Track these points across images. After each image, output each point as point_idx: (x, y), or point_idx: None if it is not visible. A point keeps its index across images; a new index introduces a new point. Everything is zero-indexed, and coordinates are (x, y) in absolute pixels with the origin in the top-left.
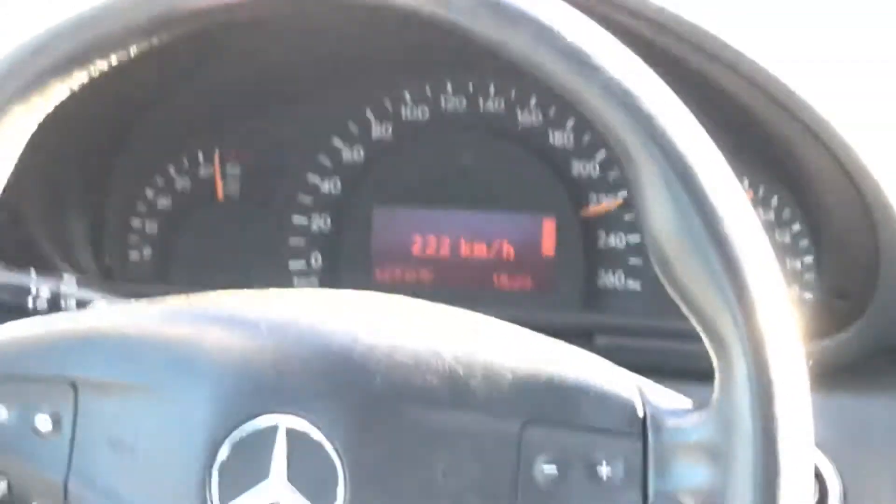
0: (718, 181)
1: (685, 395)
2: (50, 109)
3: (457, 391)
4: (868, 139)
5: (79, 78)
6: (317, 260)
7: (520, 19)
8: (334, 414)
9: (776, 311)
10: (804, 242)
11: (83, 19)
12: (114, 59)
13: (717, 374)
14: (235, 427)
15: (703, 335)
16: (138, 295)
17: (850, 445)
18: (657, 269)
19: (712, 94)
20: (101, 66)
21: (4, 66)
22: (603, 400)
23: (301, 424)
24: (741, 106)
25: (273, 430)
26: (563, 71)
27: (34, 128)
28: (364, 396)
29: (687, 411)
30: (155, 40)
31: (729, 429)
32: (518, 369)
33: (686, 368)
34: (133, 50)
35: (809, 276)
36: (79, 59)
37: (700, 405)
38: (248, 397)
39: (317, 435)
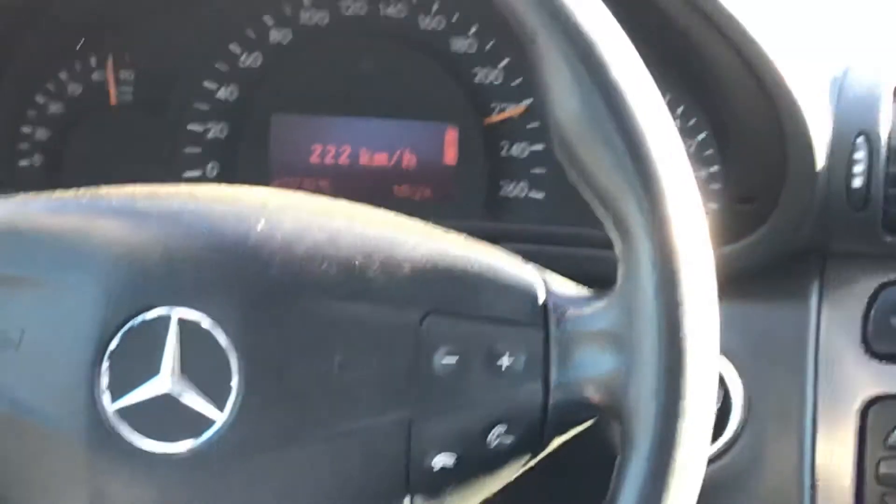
0: (623, 63)
1: None
2: None
3: (354, 281)
4: (774, 37)
5: None
6: (213, 169)
7: None
8: (227, 304)
9: (681, 194)
10: (710, 152)
11: None
12: None
13: (619, 261)
14: (126, 319)
15: (605, 221)
16: None
17: (753, 352)
18: (559, 154)
19: None
20: None
21: None
22: (504, 290)
23: (193, 315)
24: (649, 6)
25: (165, 321)
26: None
27: None
28: (258, 286)
29: (589, 299)
30: None
31: (632, 316)
32: (418, 259)
33: (591, 275)
34: None
35: (715, 186)
36: None
37: (603, 293)
38: (139, 289)
39: (209, 325)
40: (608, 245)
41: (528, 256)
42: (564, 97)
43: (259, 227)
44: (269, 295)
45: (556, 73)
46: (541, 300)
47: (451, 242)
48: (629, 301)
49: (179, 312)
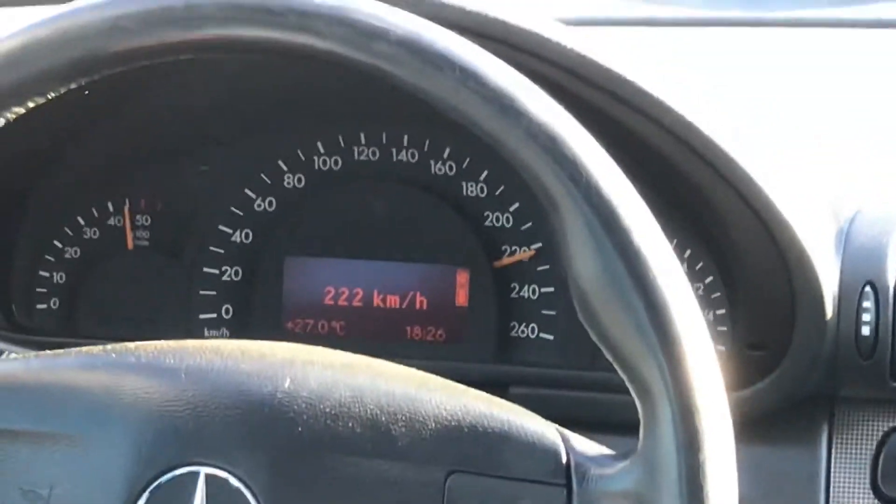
0: (642, 228)
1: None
2: None
3: (379, 439)
4: (781, 185)
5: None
6: (227, 311)
7: (443, 64)
8: (254, 462)
9: (701, 357)
10: (717, 295)
11: None
12: (29, 105)
13: (641, 422)
14: (155, 477)
15: (627, 383)
16: (46, 347)
17: (764, 496)
18: (581, 317)
19: (623, 139)
20: (17, 111)
21: None
22: (527, 449)
23: (221, 473)
24: (656, 154)
25: (193, 479)
26: (485, 116)
27: None
28: (285, 444)
29: (611, 459)
30: (73, 85)
31: (654, 477)
32: (441, 417)
33: (602, 420)
34: (50, 95)
35: (723, 329)
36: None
37: (624, 454)
38: (168, 447)
39: (237, 484)
40: (618, 389)
41: (539, 400)
42: (585, 261)
43: (286, 385)
44: (295, 453)
45: (578, 237)
46: (563, 459)
47: (473, 399)
48: (651, 463)
49: (207, 470)
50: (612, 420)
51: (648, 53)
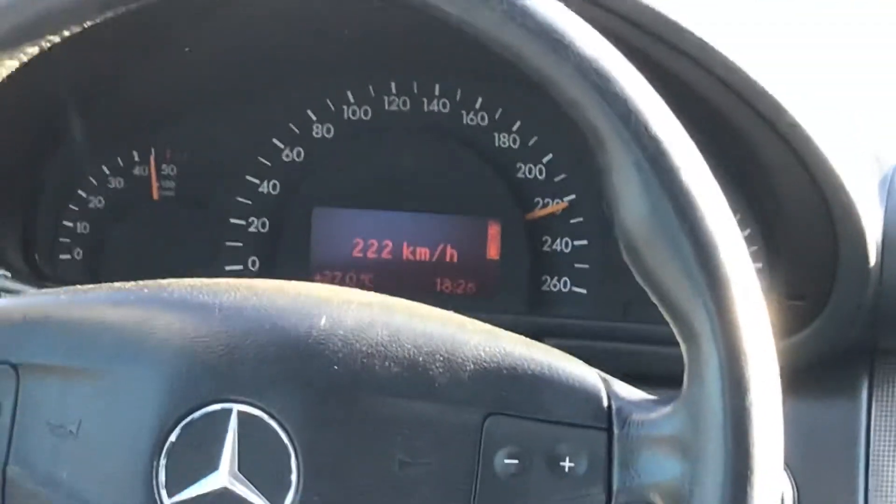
0: (691, 168)
1: None
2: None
3: (416, 380)
4: (826, 133)
5: (28, 52)
6: (254, 262)
7: None
8: (289, 401)
9: (749, 301)
10: (754, 248)
11: None
12: (65, 33)
13: (686, 366)
14: (186, 413)
15: (672, 325)
16: None
17: (803, 449)
18: (626, 257)
19: (667, 83)
20: (51, 39)
21: None
22: (567, 392)
23: (254, 411)
24: (699, 99)
25: (225, 416)
26: (533, 51)
27: None
28: (320, 383)
29: (654, 404)
30: (109, 13)
31: (698, 423)
32: (480, 360)
33: (635, 372)
34: (85, 23)
35: (762, 281)
36: (29, 31)
37: (667, 399)
38: (200, 383)
39: (270, 422)
40: (651, 341)
41: (571, 351)
42: (633, 201)
43: (321, 324)
44: (330, 392)
45: (625, 177)
46: (604, 403)
47: (513, 343)
48: (696, 407)
49: (240, 407)
50: (646, 372)
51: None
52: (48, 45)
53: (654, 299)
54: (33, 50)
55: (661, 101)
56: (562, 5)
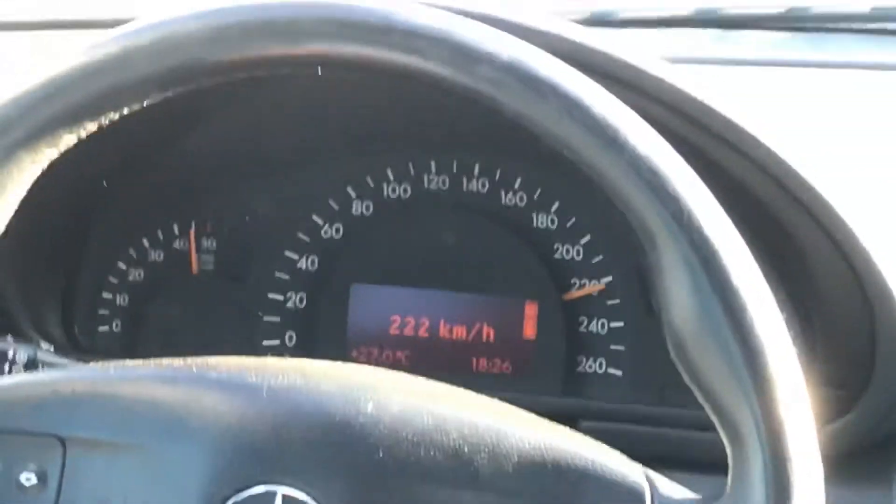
0: (742, 269)
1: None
2: (54, 158)
3: (461, 470)
4: (865, 221)
5: (88, 128)
6: (291, 338)
7: (547, 91)
8: (334, 486)
9: (795, 404)
10: (794, 336)
11: (98, 66)
12: (125, 111)
13: (730, 466)
14: (230, 494)
15: (717, 425)
16: None
17: None
18: (673, 355)
19: (714, 176)
20: (111, 117)
21: (14, 108)
22: (610, 488)
23: (298, 495)
24: (744, 190)
25: (269, 500)
26: (588, 146)
27: (36, 176)
28: (365, 470)
29: (697, 503)
30: (170, 93)
31: None
32: (524, 452)
33: (672, 456)
34: (146, 102)
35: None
36: (92, 107)
37: (711, 498)
38: (246, 464)
39: None
40: (687, 426)
41: (607, 435)
42: (682, 300)
43: (368, 410)
44: (375, 478)
45: (676, 275)
46: (647, 501)
47: (557, 434)
48: None
49: (284, 490)
50: (682, 457)
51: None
52: (107, 121)
53: (699, 398)
54: (92, 126)
55: (713, 199)
56: (617, 100)
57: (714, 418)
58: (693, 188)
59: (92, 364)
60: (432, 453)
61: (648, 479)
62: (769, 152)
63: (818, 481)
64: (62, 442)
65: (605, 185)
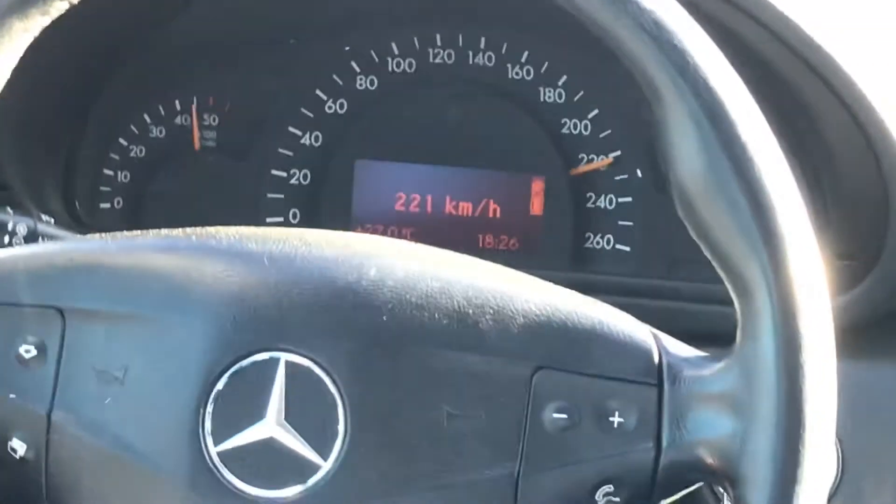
0: (749, 122)
1: None
2: (46, 25)
3: (466, 332)
4: (879, 89)
5: None
6: (295, 215)
7: None
8: (337, 351)
9: (805, 258)
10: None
11: None
12: None
13: (739, 322)
14: (233, 361)
15: (726, 281)
16: None
17: (849, 409)
18: (681, 212)
19: (724, 39)
20: None
21: None
22: (618, 347)
23: (302, 361)
24: (754, 55)
25: (273, 365)
26: (593, 3)
27: (27, 45)
28: (369, 334)
29: (705, 361)
30: None
31: (751, 379)
32: (530, 313)
33: (681, 330)
34: None
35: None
36: None
37: (719, 355)
38: (248, 331)
39: (318, 372)
40: (696, 299)
41: (619, 309)
42: (689, 156)
43: (371, 275)
44: (378, 343)
45: (682, 131)
46: (655, 359)
47: (564, 297)
48: (748, 364)
49: (288, 357)
50: (691, 330)
51: None
52: None
53: (707, 255)
54: None
55: (719, 53)
56: None
57: (722, 274)
58: (699, 42)
59: (90, 235)
60: (437, 316)
61: (656, 337)
62: (782, 16)
63: (829, 334)
64: (61, 313)
65: (609, 41)
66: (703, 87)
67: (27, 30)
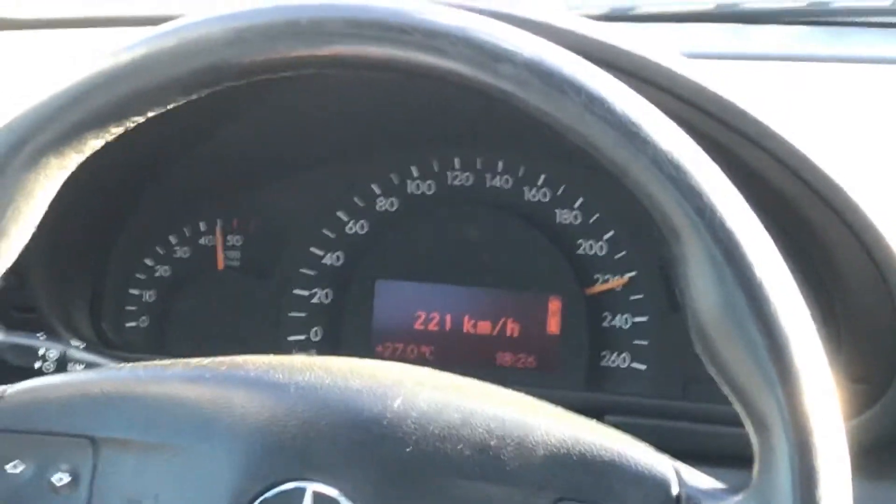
0: (765, 261)
1: None
2: (80, 162)
3: (488, 463)
4: (890, 220)
5: (114, 132)
6: (317, 333)
7: (569, 88)
8: (363, 481)
9: (821, 394)
10: (819, 328)
11: (123, 69)
12: (150, 114)
13: (756, 456)
14: (261, 491)
15: (743, 416)
16: None
17: None
18: (698, 347)
19: (739, 172)
20: (137, 120)
21: (40, 113)
22: (637, 480)
23: (328, 491)
24: (768, 187)
25: (299, 496)
26: (610, 142)
27: (63, 181)
28: (394, 465)
29: (724, 493)
30: (194, 97)
31: None
32: (551, 444)
33: (696, 451)
34: (170, 105)
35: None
36: (117, 111)
37: (737, 488)
38: (276, 462)
39: (344, 502)
40: (711, 420)
41: (636, 430)
42: (706, 292)
43: (395, 406)
44: (403, 474)
45: (699, 268)
46: (674, 491)
47: (583, 427)
48: (766, 498)
49: (314, 487)
50: (706, 451)
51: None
52: (132, 125)
53: (724, 390)
54: (118, 130)
55: (736, 192)
56: (638, 95)
57: (739, 409)
58: (716, 182)
59: (121, 365)
60: (460, 447)
61: (675, 469)
62: (791, 148)
63: (845, 469)
64: (93, 442)
65: (627, 180)
66: (720, 228)
67: (62, 167)
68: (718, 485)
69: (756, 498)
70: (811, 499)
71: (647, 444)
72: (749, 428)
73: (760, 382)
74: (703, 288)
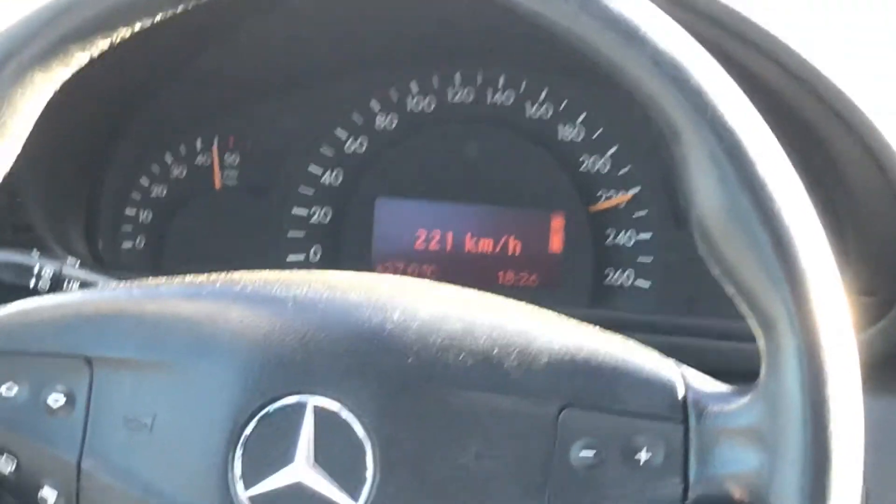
0: (768, 157)
1: None
2: (67, 77)
3: (491, 373)
4: None
5: (100, 45)
6: (316, 253)
7: None
8: (364, 393)
9: (828, 291)
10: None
11: None
12: (137, 26)
13: (763, 358)
14: (261, 406)
15: (749, 316)
16: None
17: (872, 444)
18: (701, 250)
19: (744, 81)
20: (123, 33)
21: (25, 28)
22: (643, 384)
23: (329, 404)
24: (775, 96)
25: (300, 409)
26: (608, 43)
27: (50, 96)
28: (395, 376)
29: (731, 395)
30: (181, 8)
31: (776, 413)
32: (555, 352)
33: (702, 367)
34: (158, 17)
35: None
36: (103, 24)
37: (744, 390)
38: (275, 376)
39: (346, 415)
40: (716, 335)
41: None
42: (709, 193)
43: (395, 317)
44: (405, 385)
45: (701, 168)
46: (680, 395)
47: (587, 334)
48: (774, 398)
49: (315, 400)
50: (712, 367)
51: None
52: (119, 38)
53: (729, 291)
54: (104, 43)
55: (739, 91)
56: None
57: (745, 309)
58: (718, 81)
59: (115, 283)
60: (462, 357)
61: (681, 372)
62: (799, 58)
63: (854, 367)
64: (89, 362)
65: (626, 81)
66: (722, 125)
67: (49, 81)
68: (725, 388)
69: (764, 398)
70: (820, 398)
71: (652, 349)
72: (756, 329)
73: (767, 281)
74: (705, 189)
